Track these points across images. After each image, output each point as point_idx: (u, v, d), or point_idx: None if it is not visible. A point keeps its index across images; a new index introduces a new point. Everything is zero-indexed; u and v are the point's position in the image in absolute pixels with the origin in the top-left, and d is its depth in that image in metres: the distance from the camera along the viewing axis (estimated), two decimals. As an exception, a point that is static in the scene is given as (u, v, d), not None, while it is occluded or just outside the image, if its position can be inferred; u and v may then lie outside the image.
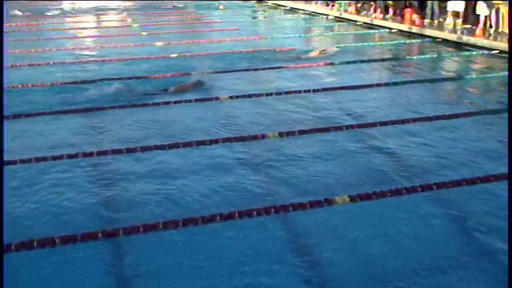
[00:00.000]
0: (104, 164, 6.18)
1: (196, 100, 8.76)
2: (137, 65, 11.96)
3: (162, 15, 23.32)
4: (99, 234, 4.46)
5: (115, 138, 7.05)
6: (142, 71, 11.07)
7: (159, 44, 14.80)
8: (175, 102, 8.62)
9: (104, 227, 4.61)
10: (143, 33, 17.27)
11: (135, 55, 13.09)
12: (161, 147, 6.53)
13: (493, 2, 14.41)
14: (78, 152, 6.35)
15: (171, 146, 6.58)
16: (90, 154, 6.33)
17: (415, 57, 12.94)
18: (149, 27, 19.12)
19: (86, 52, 14.02)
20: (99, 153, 6.36)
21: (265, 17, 23.92)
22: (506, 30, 14.35)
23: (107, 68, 11.70)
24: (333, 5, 22.83)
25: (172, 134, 7.17)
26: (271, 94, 9.13)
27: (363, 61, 12.37)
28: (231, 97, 8.93)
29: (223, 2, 28.68)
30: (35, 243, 4.26)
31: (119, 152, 6.43)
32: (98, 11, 25.78)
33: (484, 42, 13.71)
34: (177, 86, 9.66)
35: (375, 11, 19.96)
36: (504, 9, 14.37)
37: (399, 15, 18.79)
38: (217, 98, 8.87)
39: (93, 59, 12.87)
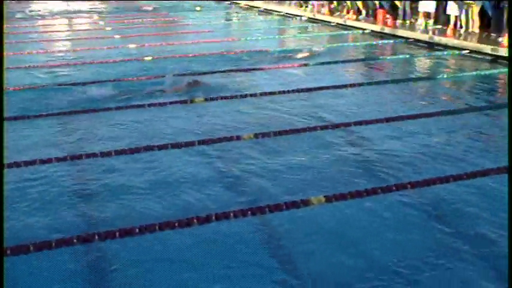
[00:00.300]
0: (78, 169, 6.12)
1: (170, 103, 8.72)
2: (110, 68, 11.86)
3: (135, 18, 23.15)
4: (75, 240, 4.41)
5: (89, 142, 6.98)
6: (116, 74, 10.97)
7: (132, 46, 14.70)
8: (149, 105, 8.57)
9: (79, 233, 4.56)
10: (116, 36, 17.13)
11: (108, 58, 12.97)
12: (136, 150, 6.49)
13: (464, 1, 14.65)
14: (51, 157, 6.26)
15: (146, 149, 6.54)
16: (64, 159, 6.25)
17: (388, 58, 13.09)
18: (122, 30, 18.98)
19: (58, 55, 13.85)
20: (73, 158, 6.29)
21: (239, 19, 23.93)
22: (476, 30, 14.63)
23: (80, 72, 11.58)
24: (306, 6, 22.88)
25: (148, 136, 7.12)
26: (245, 96, 9.13)
27: (337, 62, 12.44)
28: (205, 99, 8.91)
29: (198, 2, 28.73)
30: (9, 252, 4.19)
31: (93, 155, 6.36)
32: (69, 14, 25.48)
33: (454, 42, 13.93)
34: (173, 86, 9.70)
35: (348, 12, 20.13)
36: (475, 9, 14.62)
37: (372, 16, 18.99)
38: (191, 101, 8.84)
39: (65, 62, 12.73)
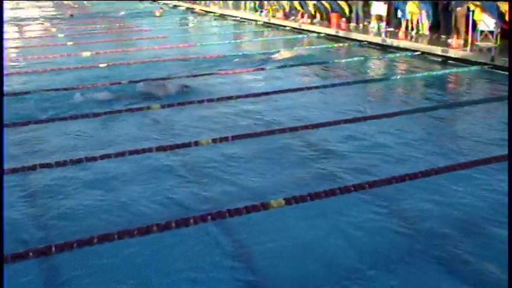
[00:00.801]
0: (34, 179, 5.97)
1: (126, 110, 8.61)
2: (64, 75, 11.64)
3: (88, 24, 22.79)
4: (30, 254, 4.29)
5: (42, 152, 6.82)
6: (69, 82, 10.77)
7: (86, 53, 14.46)
8: (105, 113, 8.44)
9: (36, 245, 4.45)
10: (69, 43, 16.84)
11: (61, 65, 12.73)
12: (92, 159, 6.38)
13: (409, 8, 15.04)
14: (7, 168, 6.09)
15: (102, 157, 6.43)
16: (22, 169, 6.09)
17: (343, 60, 13.25)
18: (76, 37, 18.68)
19: (9, 64, 13.50)
20: (29, 168, 6.14)
21: (195, 24, 23.87)
22: (427, 32, 15.07)
23: (31, 80, 11.32)
24: (261, 11, 23.08)
25: (104, 144, 7.01)
26: (202, 101, 9.10)
27: (293, 65, 12.54)
28: (162, 106, 8.84)
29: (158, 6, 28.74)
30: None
31: (48, 166, 6.22)
32: (20, 21, 24.91)
33: (406, 44, 14.26)
34: (163, 89, 9.80)
35: (302, 16, 20.34)
36: (423, 13, 15.03)
37: (326, 20, 19.25)
38: (148, 108, 8.75)
39: (15, 70, 12.41)
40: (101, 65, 12.56)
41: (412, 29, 15.51)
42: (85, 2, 37.38)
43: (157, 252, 4.41)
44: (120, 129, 7.77)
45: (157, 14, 27.23)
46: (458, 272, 4.10)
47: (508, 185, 5.26)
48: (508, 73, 10.10)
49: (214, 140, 6.99)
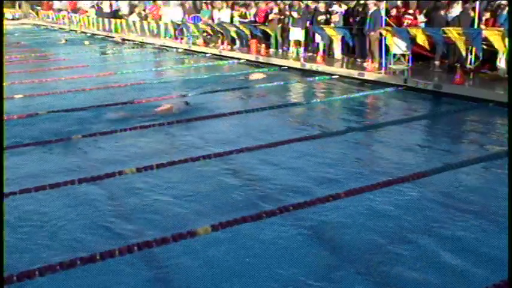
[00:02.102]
0: None
1: (47, 142, 8.35)
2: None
3: None
4: None
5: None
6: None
7: None
8: (24, 145, 8.15)
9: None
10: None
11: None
12: (12, 193, 6.12)
13: (327, 31, 15.60)
14: None
15: (22, 191, 6.19)
16: None
17: (263, 85, 13.47)
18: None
19: None
20: None
21: (114, 53, 23.58)
22: (339, 57, 15.72)
23: None
24: (182, 38, 23.26)
25: (28, 177, 6.76)
26: (125, 130, 8.97)
27: (214, 91, 12.65)
28: (84, 135, 8.65)
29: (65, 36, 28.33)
30: None
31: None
32: None
33: (325, 68, 14.75)
34: (161, 108, 10.27)
35: (223, 43, 20.61)
36: (336, 38, 15.63)
37: (246, 46, 19.59)
38: (68, 138, 8.52)
39: None
40: (16, 96, 12.13)
41: (329, 54, 16.09)
42: None
43: (82, 285, 4.29)
44: (41, 161, 7.52)
45: (63, 42, 27.27)
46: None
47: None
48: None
49: (138, 169, 6.90)
